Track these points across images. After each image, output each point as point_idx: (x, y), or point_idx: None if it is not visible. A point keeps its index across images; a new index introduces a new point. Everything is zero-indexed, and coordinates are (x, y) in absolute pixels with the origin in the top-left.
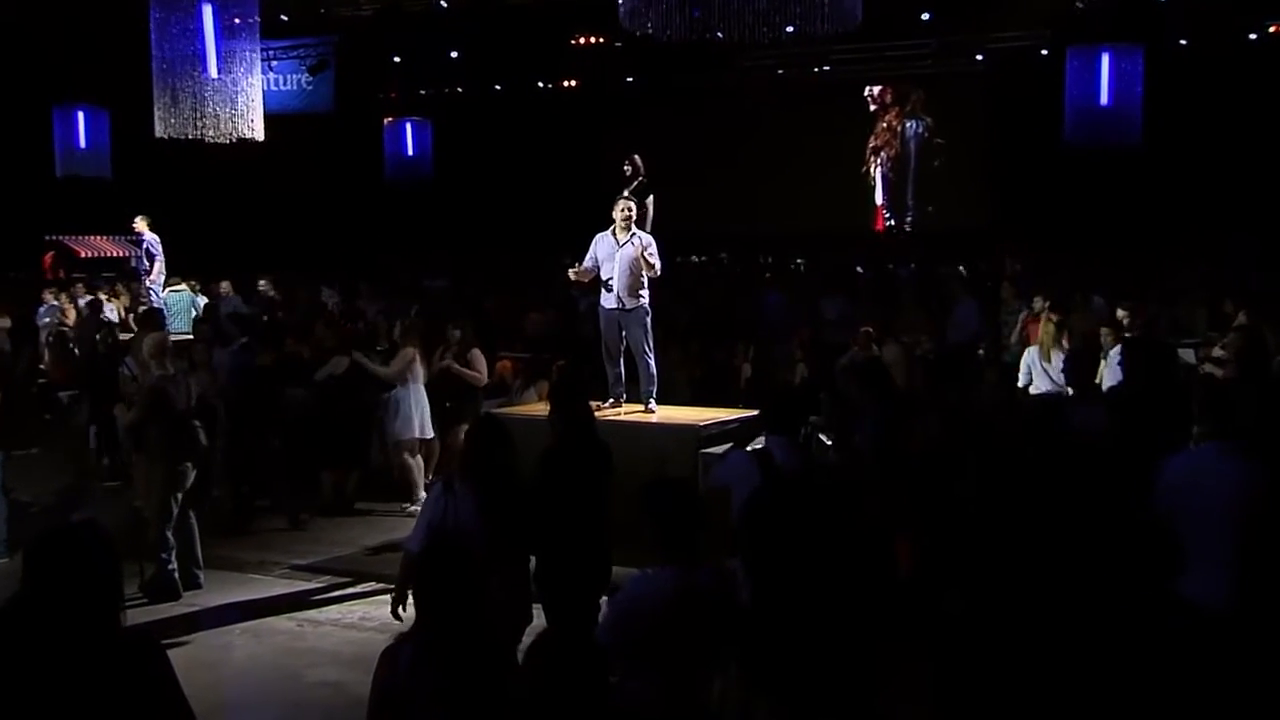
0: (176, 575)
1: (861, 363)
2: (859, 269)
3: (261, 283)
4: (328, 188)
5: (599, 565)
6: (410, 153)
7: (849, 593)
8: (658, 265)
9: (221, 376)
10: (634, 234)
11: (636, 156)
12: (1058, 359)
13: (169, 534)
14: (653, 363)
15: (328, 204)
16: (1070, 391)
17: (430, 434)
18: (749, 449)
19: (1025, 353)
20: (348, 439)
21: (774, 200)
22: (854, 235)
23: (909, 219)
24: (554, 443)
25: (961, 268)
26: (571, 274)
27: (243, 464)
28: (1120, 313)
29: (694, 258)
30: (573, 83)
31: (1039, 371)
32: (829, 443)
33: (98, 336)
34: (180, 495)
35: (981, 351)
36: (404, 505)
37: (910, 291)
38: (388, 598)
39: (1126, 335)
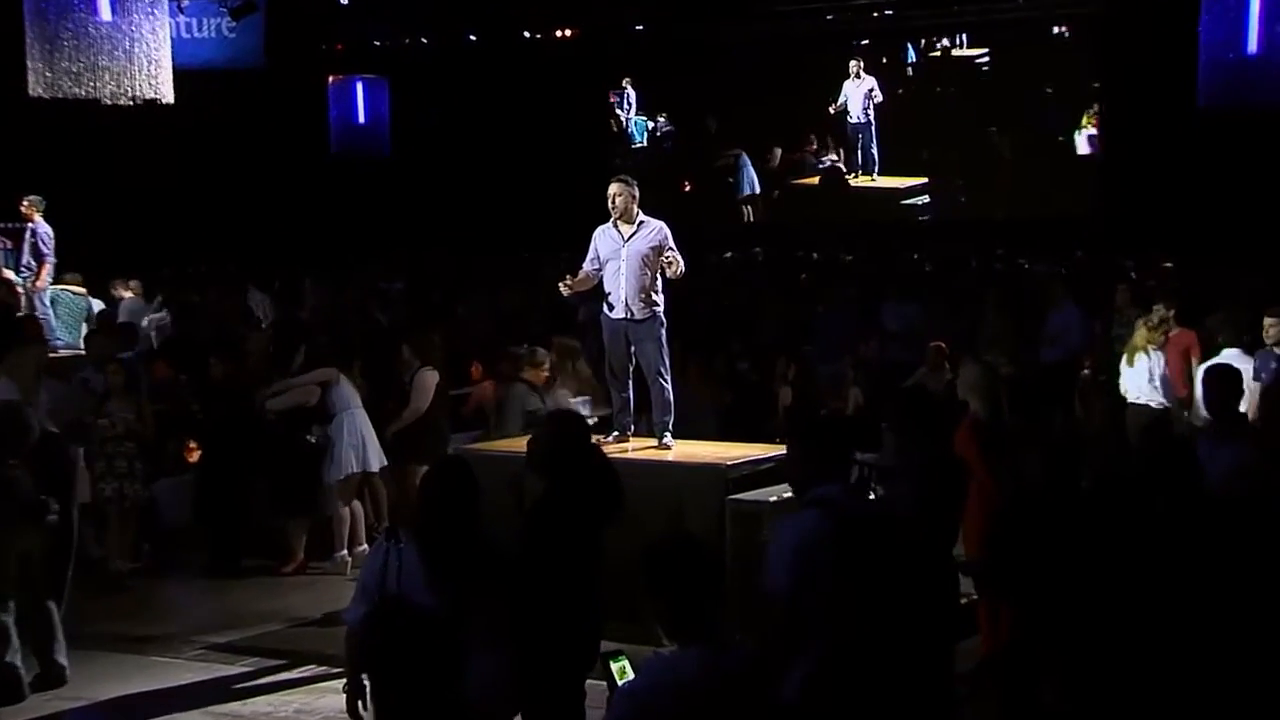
0: (21, 672)
1: (909, 390)
2: (927, 267)
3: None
4: (256, 164)
5: (587, 647)
6: (361, 120)
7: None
8: (679, 262)
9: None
10: (642, 222)
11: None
12: (1147, 363)
13: (8, 623)
14: (669, 386)
15: (256, 185)
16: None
17: (375, 465)
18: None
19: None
20: (293, 480)
21: (827, 167)
22: (922, 224)
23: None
24: (545, 495)
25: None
26: (564, 287)
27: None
28: (1268, 321)
29: (721, 254)
30: (568, 32)
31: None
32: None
33: None
34: (19, 569)
35: (1087, 372)
36: (332, 557)
37: (994, 295)
38: (333, 684)
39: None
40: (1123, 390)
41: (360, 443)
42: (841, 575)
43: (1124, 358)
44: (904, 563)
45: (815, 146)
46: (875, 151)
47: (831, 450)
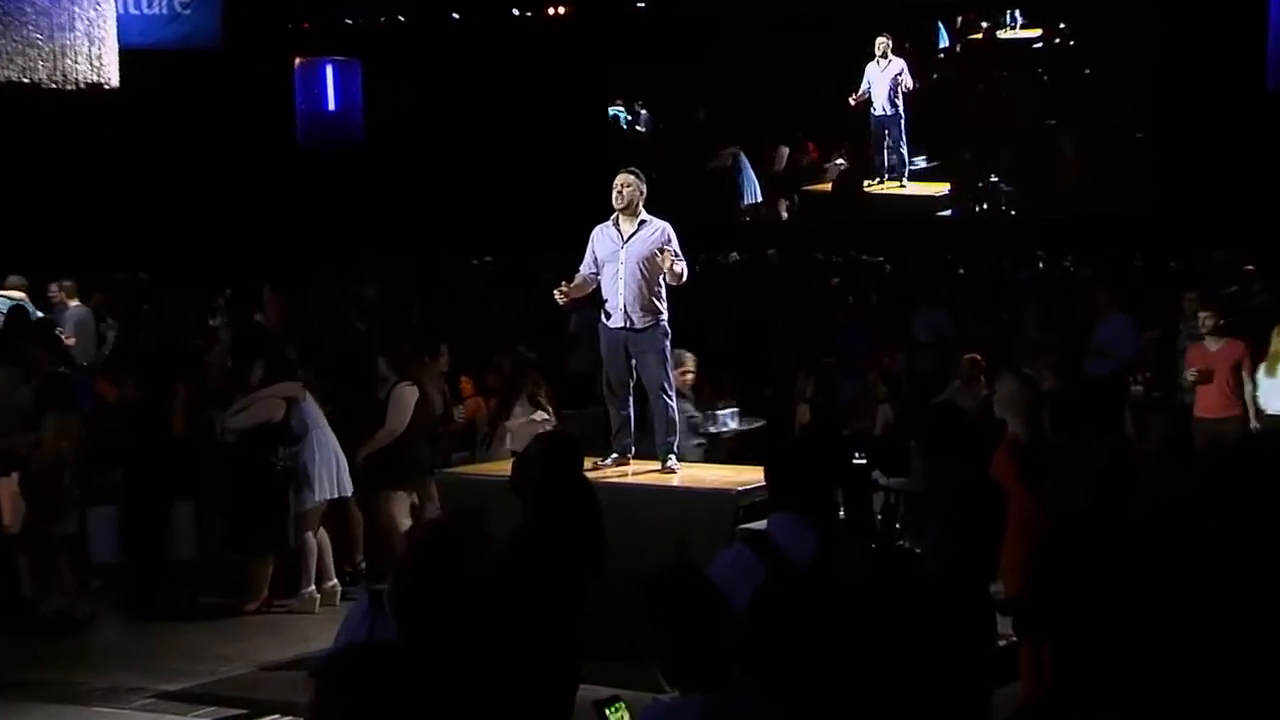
0: None
1: (939, 407)
2: (960, 270)
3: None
4: (213, 157)
5: (559, 703)
6: (332, 107)
7: None
8: (682, 265)
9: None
10: (644, 221)
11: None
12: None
13: None
14: (673, 403)
15: (213, 180)
16: None
17: (343, 491)
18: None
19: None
20: (257, 509)
21: (840, 172)
22: (952, 221)
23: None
24: (525, 525)
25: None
26: (559, 295)
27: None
28: None
29: (730, 255)
30: (561, 10)
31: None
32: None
33: None
34: None
35: (1140, 387)
36: (299, 594)
37: (1035, 301)
38: None
39: None
40: (1260, 403)
41: (334, 465)
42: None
43: (1262, 368)
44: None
45: (817, 155)
46: (905, 151)
47: (792, 473)
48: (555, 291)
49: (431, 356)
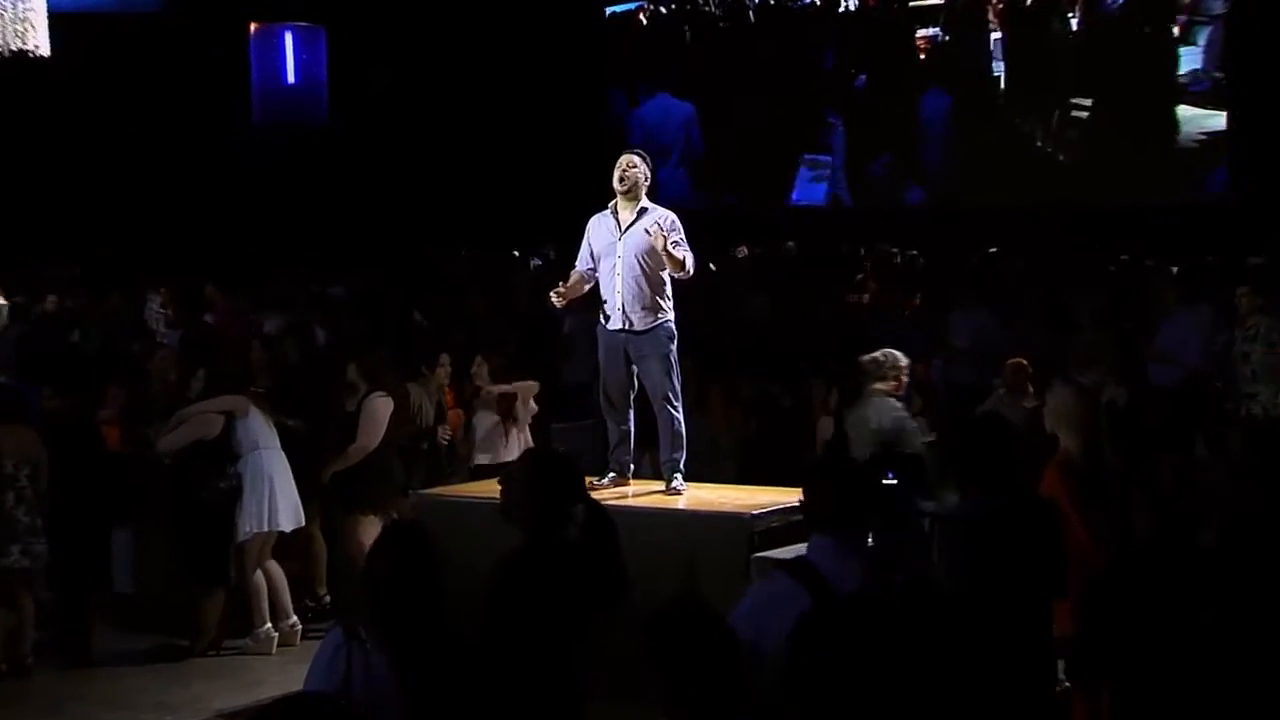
0: None
1: (982, 419)
2: (1003, 263)
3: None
4: (157, 135)
5: None
6: (291, 79)
7: None
8: (688, 259)
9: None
10: (645, 209)
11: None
12: None
13: None
14: (679, 415)
15: (157, 161)
16: None
17: (286, 524)
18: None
19: None
20: (200, 537)
21: (864, 152)
22: (991, 208)
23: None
24: (514, 554)
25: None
26: (556, 298)
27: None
28: None
29: (739, 249)
30: None
31: None
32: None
33: None
34: None
35: (1212, 396)
36: (253, 633)
37: (1092, 299)
38: None
39: None
40: None
41: (268, 493)
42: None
43: None
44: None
45: None
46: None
47: (836, 493)
48: (552, 295)
49: (429, 367)
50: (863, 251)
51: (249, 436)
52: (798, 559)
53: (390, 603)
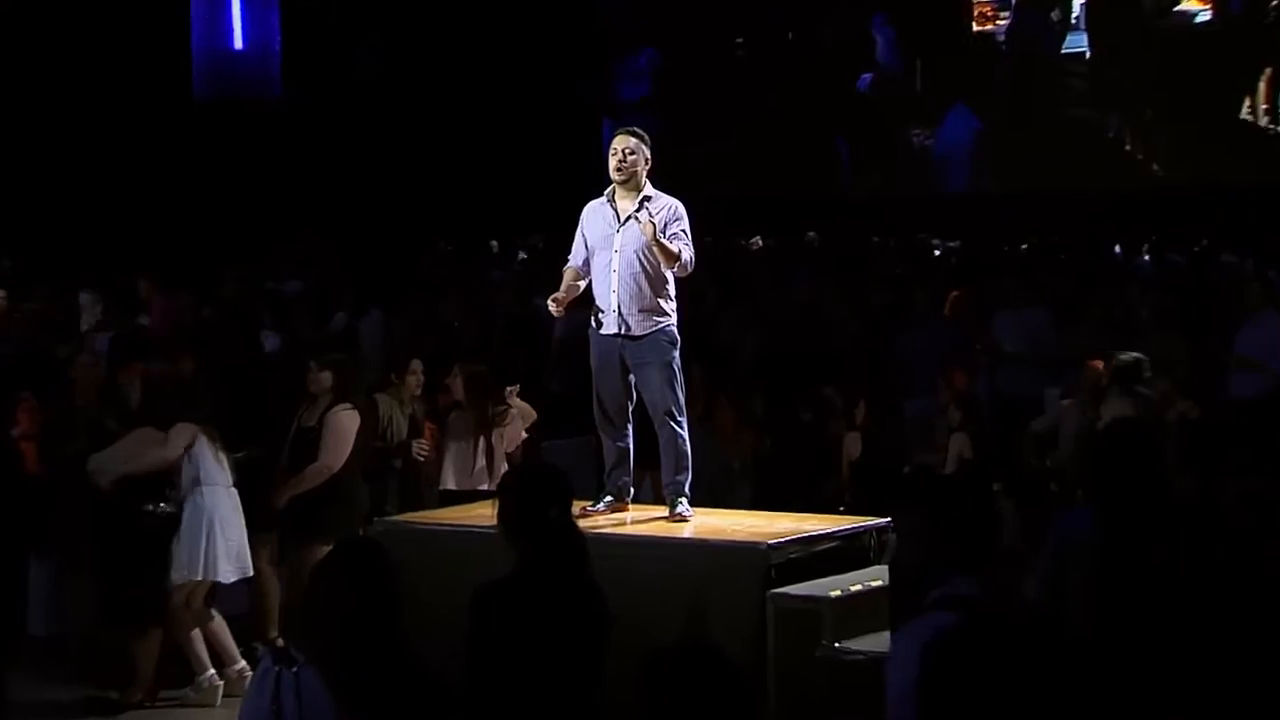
0: None
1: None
2: (1062, 255)
3: None
4: (87, 110)
5: None
6: (239, 46)
7: None
8: (684, 252)
9: None
10: (648, 198)
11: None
12: None
13: None
14: (684, 431)
15: (87, 139)
16: None
17: (227, 575)
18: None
19: None
20: (134, 574)
21: (895, 128)
22: (1041, 191)
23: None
24: (503, 577)
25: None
26: (554, 307)
27: None
28: None
29: (753, 239)
30: None
31: None
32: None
33: None
34: None
35: None
36: (195, 681)
37: (1161, 296)
38: None
39: None
40: None
41: (205, 538)
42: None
43: None
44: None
45: None
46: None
47: (972, 523)
48: (550, 303)
49: (399, 375)
50: (891, 242)
51: (191, 471)
52: (956, 597)
53: (339, 624)
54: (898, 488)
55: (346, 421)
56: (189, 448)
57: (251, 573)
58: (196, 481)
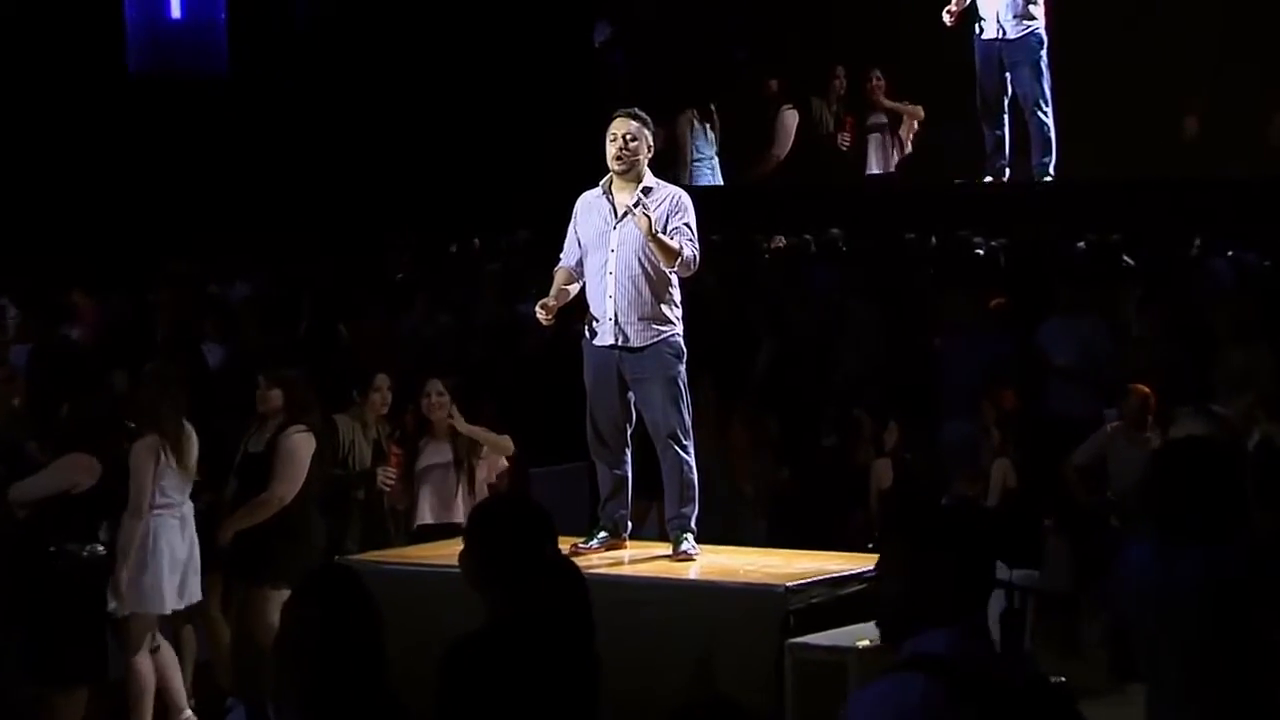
0: None
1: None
2: (1127, 258)
3: None
4: (8, 91)
5: None
6: (177, 15)
7: None
8: (686, 249)
9: None
10: (649, 189)
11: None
12: None
13: None
14: (690, 457)
15: (7, 124)
16: None
17: (184, 600)
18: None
19: None
20: (59, 620)
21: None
22: (1103, 185)
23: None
24: (477, 631)
25: None
26: (542, 315)
27: None
28: None
29: (773, 239)
30: None
31: None
32: None
33: None
34: None
35: None
36: None
37: (1231, 306)
38: None
39: None
40: None
41: (163, 566)
42: None
43: None
44: None
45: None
46: (1047, 117)
47: (962, 569)
48: (539, 310)
49: (361, 394)
50: (934, 239)
51: (150, 490)
52: (928, 655)
53: (315, 670)
54: (885, 522)
55: (300, 445)
56: (156, 465)
57: (198, 597)
58: (157, 501)
